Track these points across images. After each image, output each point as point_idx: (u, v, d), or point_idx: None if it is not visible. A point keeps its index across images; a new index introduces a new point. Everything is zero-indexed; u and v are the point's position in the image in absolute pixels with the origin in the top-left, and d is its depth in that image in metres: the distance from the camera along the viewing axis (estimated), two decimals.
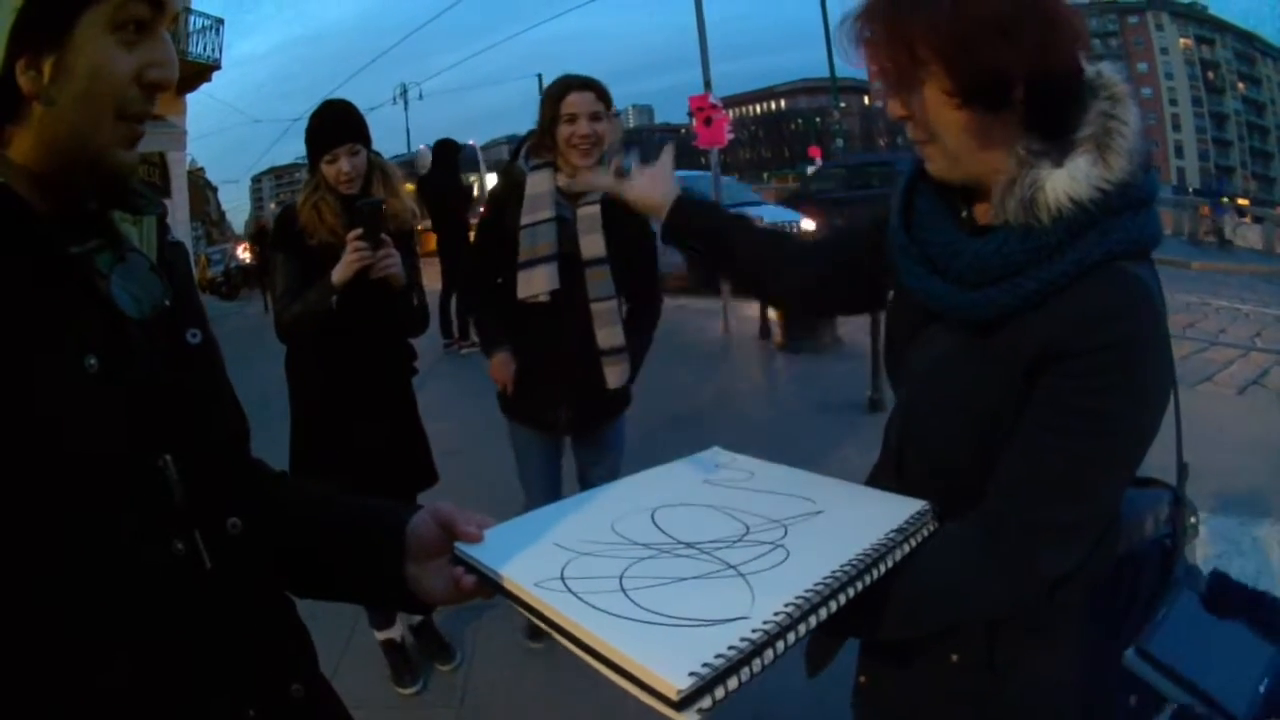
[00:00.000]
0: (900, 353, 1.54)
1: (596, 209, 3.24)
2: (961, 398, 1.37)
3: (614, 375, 3.39)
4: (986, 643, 1.42)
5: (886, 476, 1.54)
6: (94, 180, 0.97)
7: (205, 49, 19.83)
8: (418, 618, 3.99)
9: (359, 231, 3.12)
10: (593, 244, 3.26)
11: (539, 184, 3.25)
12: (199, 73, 19.48)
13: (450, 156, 10.28)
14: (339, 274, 3.12)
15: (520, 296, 3.28)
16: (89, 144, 0.93)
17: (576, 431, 3.66)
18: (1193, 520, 1.56)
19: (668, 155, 1.89)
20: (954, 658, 1.45)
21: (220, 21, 20.45)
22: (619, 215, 3.01)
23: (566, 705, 3.54)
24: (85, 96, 0.90)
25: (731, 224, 1.86)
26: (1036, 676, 1.44)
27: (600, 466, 3.68)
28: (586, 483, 3.67)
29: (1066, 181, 1.23)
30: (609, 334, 3.34)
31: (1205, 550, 4.51)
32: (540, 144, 3.31)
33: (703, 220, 1.85)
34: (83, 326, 0.93)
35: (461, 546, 1.17)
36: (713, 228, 1.85)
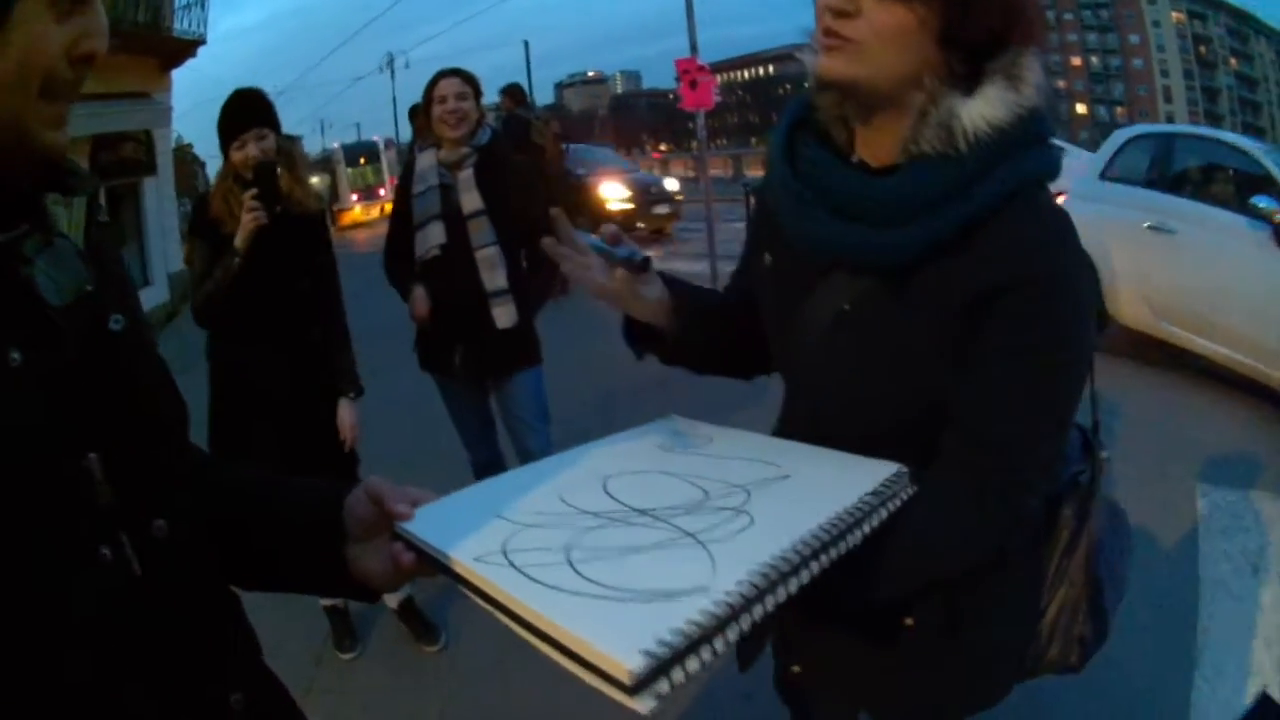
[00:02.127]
0: (789, 312, 1.47)
1: (471, 172, 3.81)
2: (884, 344, 1.34)
3: (501, 315, 3.84)
4: (944, 600, 1.41)
5: (798, 434, 1.44)
6: (23, 165, 0.90)
7: (191, 25, 19.66)
8: (404, 595, 3.98)
9: (254, 191, 3.27)
10: (471, 200, 3.79)
11: (425, 160, 3.90)
12: (184, 48, 19.31)
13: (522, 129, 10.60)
14: (239, 237, 3.27)
15: (418, 254, 3.86)
16: (14, 126, 0.86)
17: (472, 372, 3.99)
18: (1104, 455, 1.58)
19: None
20: (909, 622, 1.44)
21: None
22: (492, 176, 3.81)
23: (556, 686, 3.44)
24: (15, 75, 0.84)
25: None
26: (990, 621, 1.48)
27: (517, 419, 4.08)
28: (515, 438, 4.15)
29: (982, 106, 1.23)
30: (492, 277, 3.81)
31: (1206, 526, 4.48)
32: (425, 127, 3.99)
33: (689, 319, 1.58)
34: (5, 319, 0.87)
35: (400, 522, 1.10)
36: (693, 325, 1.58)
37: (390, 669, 3.85)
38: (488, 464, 4.20)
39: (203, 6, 19.93)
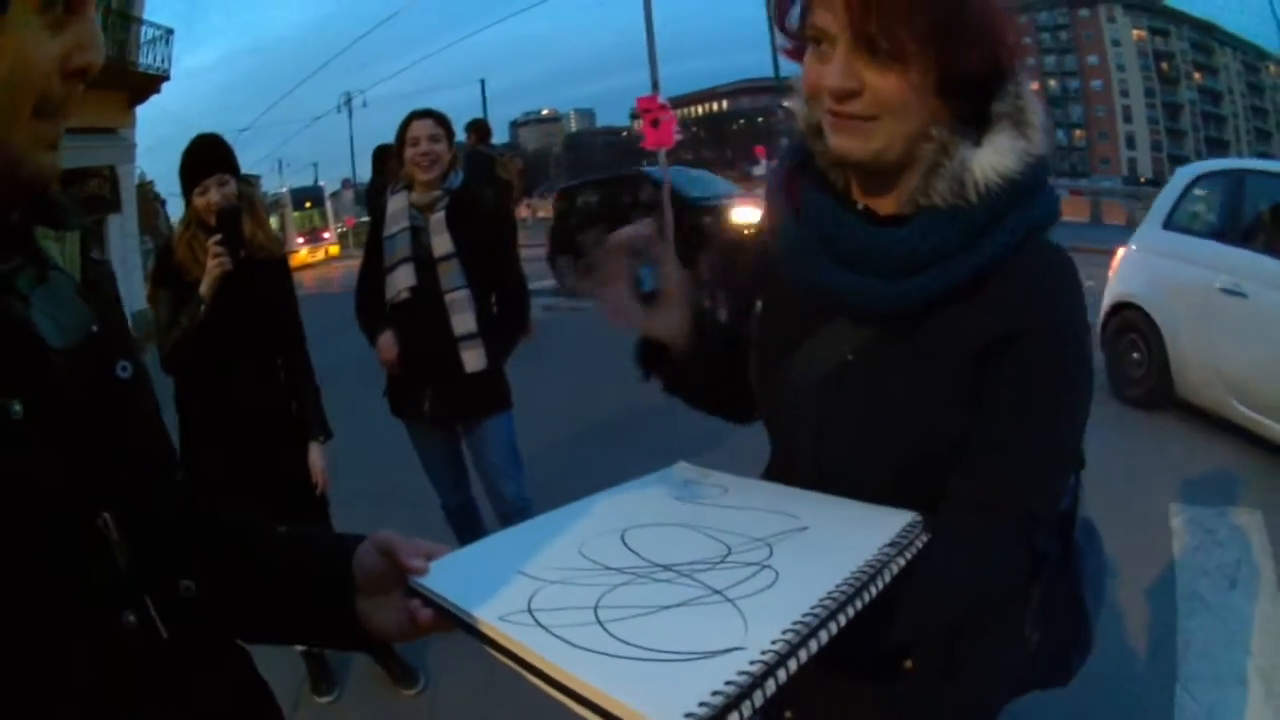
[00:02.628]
0: (781, 361, 1.47)
1: (443, 215, 3.83)
2: (889, 393, 1.33)
3: (470, 359, 3.85)
4: (945, 641, 1.40)
5: (800, 483, 1.42)
6: (13, 189, 0.84)
7: (156, 60, 19.60)
8: None
9: (218, 237, 3.29)
10: (442, 243, 3.81)
11: (397, 203, 3.91)
12: (150, 84, 19.24)
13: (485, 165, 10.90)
14: (205, 284, 3.29)
15: (388, 297, 3.88)
16: (5, 147, 0.80)
17: (442, 417, 4.01)
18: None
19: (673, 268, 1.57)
20: (908, 664, 1.41)
21: (170, 32, 20.19)
22: (464, 219, 3.82)
23: None
24: (5, 90, 0.78)
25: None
26: (988, 660, 1.46)
27: (490, 465, 4.08)
28: (487, 483, 4.14)
29: (993, 157, 1.23)
30: (462, 320, 3.83)
31: (1181, 543, 4.51)
32: (397, 169, 3.97)
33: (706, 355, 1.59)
34: (3, 365, 0.80)
35: (415, 577, 1.08)
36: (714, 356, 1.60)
37: (368, 713, 3.82)
38: (459, 508, 4.23)
39: (167, 42, 19.89)
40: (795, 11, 1.30)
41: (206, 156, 3.47)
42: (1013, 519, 1.27)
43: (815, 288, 1.35)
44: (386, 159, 10.74)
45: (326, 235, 38.00)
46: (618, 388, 7.77)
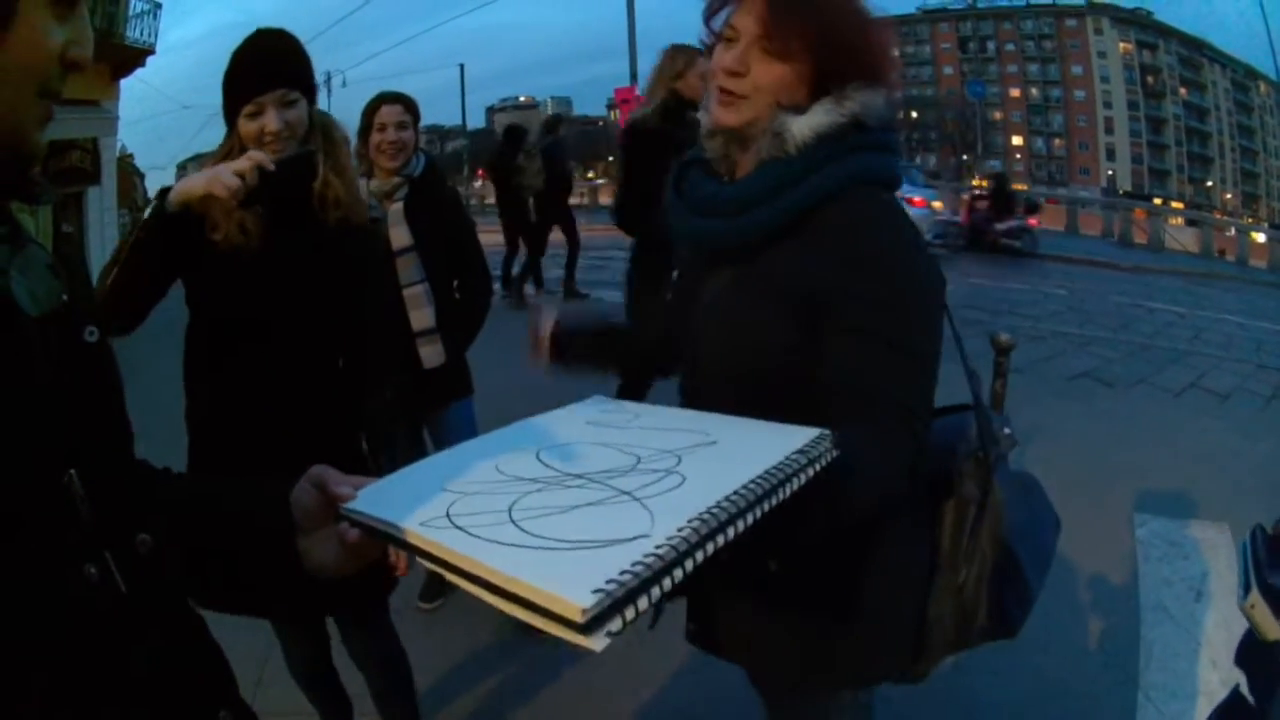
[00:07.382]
0: (686, 308, 1.83)
1: (401, 205, 3.74)
2: (738, 320, 1.67)
3: (428, 355, 3.82)
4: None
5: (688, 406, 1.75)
6: (14, 162, 0.91)
7: (142, 33, 19.52)
8: None
9: (263, 161, 2.10)
10: (399, 236, 3.71)
11: None
12: (135, 57, 19.16)
13: (516, 140, 12.38)
14: (180, 190, 2.13)
15: None
16: (10, 124, 0.87)
17: (402, 410, 3.75)
18: (1006, 431, 1.84)
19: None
20: (772, 566, 1.54)
21: (159, 5, 20.15)
22: (423, 210, 3.74)
23: None
24: (19, 72, 0.85)
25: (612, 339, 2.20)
26: (863, 585, 1.69)
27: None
28: None
29: (808, 118, 1.58)
30: (420, 316, 3.77)
31: (1145, 554, 4.54)
32: (359, 153, 3.77)
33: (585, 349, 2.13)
34: None
35: (344, 503, 1.15)
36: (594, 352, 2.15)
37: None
38: None
39: (154, 15, 19.83)
40: (721, 16, 1.66)
41: (265, 62, 2.35)
42: (892, 416, 1.49)
43: (683, 236, 1.79)
44: (518, 135, 11.59)
45: None
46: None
